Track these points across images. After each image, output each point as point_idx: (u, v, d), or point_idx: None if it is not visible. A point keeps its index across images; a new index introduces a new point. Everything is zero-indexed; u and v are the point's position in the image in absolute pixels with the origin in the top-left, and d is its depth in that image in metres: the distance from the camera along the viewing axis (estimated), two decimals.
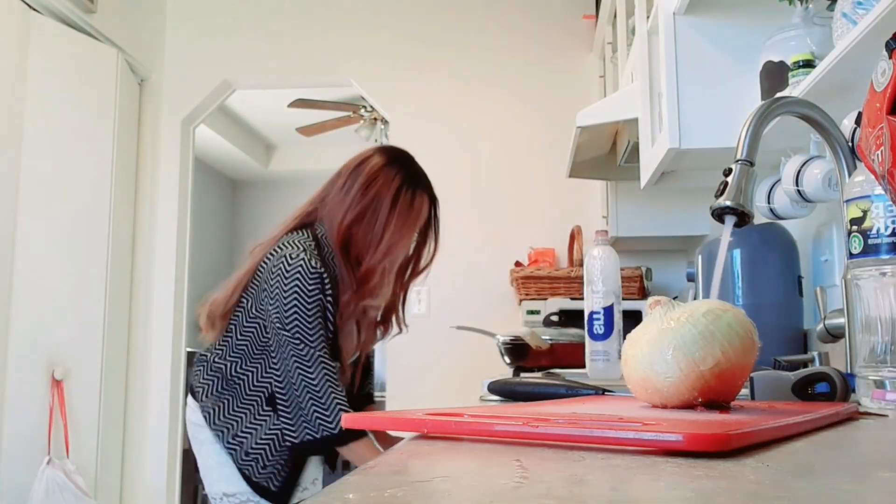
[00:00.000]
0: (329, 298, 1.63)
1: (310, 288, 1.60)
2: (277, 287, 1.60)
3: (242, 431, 1.64)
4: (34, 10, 3.16)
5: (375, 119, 5.39)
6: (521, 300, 3.27)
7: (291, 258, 1.60)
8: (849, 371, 1.10)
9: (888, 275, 0.83)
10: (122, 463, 3.58)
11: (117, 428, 3.54)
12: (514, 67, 3.83)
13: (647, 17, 2.07)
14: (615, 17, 2.95)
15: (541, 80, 3.80)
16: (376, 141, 5.40)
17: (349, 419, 0.66)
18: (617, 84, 2.94)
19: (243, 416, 1.64)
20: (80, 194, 3.35)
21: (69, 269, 3.27)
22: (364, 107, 5.22)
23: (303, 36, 3.88)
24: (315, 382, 1.57)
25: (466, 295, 3.62)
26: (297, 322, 1.58)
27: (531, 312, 3.08)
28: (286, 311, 1.58)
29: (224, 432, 1.65)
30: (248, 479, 1.63)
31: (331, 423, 1.56)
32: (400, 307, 1.87)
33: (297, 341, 1.58)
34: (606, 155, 2.98)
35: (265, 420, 1.63)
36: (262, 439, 1.62)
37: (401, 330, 1.89)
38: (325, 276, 1.63)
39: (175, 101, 3.88)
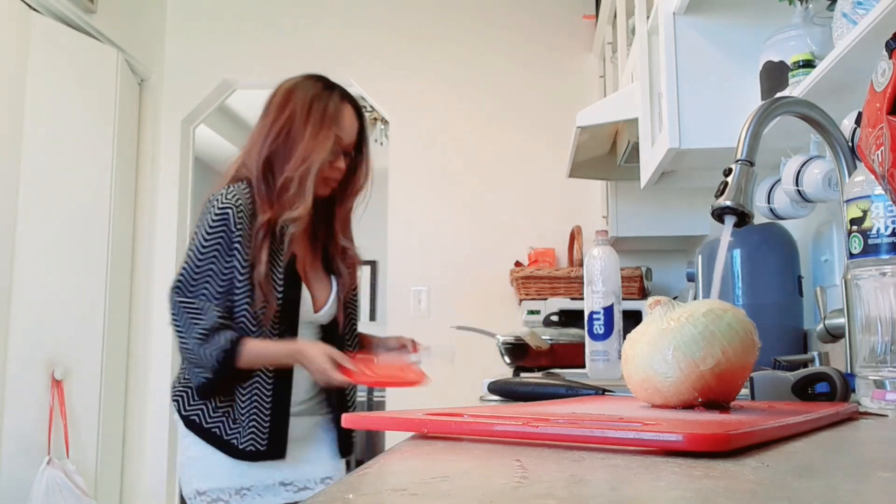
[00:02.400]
0: (238, 234, 1.59)
1: (209, 227, 1.60)
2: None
3: (181, 388, 1.66)
4: (34, 10, 3.16)
5: (375, 119, 5.39)
6: (521, 300, 3.27)
7: (204, 210, 1.64)
8: (849, 371, 1.10)
9: (888, 275, 0.83)
10: (122, 463, 3.58)
11: (117, 428, 3.54)
12: (514, 67, 3.83)
13: (647, 17, 2.07)
14: (615, 17, 2.95)
15: (541, 80, 3.80)
16: (376, 141, 5.40)
17: (349, 419, 0.66)
18: (617, 84, 2.94)
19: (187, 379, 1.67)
20: (80, 194, 3.35)
21: (69, 268, 3.27)
22: (364, 107, 5.22)
23: (303, 36, 3.88)
24: (179, 327, 1.59)
25: (466, 295, 3.62)
26: (183, 267, 1.62)
27: (531, 312, 3.08)
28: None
29: (178, 402, 1.67)
30: (204, 435, 1.62)
31: (205, 364, 1.56)
32: (340, 235, 1.79)
33: (175, 286, 1.61)
34: (606, 155, 2.98)
35: (189, 374, 1.65)
36: (194, 393, 1.64)
37: (355, 261, 1.81)
38: (233, 211, 1.60)
39: (175, 101, 3.88)
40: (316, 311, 1.73)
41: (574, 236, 3.49)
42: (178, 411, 1.66)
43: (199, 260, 1.60)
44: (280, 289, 1.62)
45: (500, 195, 3.74)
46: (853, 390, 0.88)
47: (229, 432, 1.62)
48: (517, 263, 3.52)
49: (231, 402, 1.63)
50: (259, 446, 1.61)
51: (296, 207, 1.64)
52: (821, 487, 0.39)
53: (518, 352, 2.08)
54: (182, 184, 3.87)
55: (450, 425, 0.58)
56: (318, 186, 1.69)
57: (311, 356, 1.57)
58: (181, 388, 1.67)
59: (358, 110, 1.76)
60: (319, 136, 1.67)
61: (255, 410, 1.61)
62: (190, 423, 1.64)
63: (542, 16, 3.85)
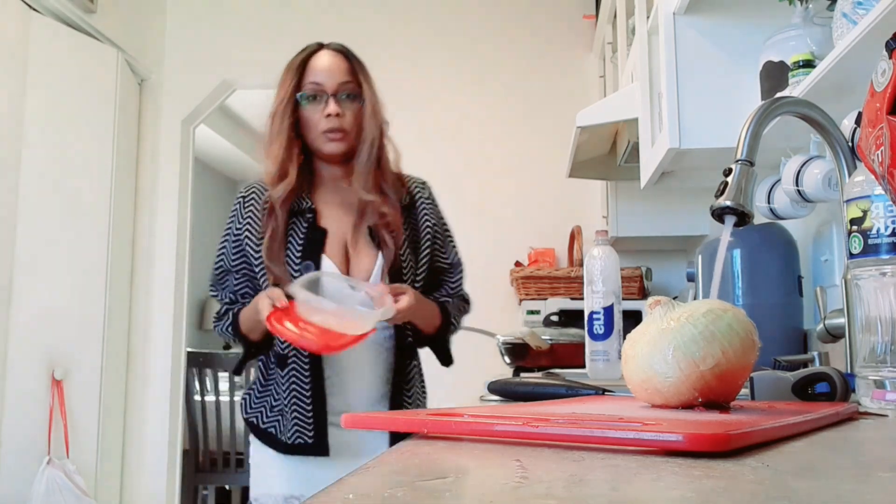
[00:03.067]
0: (245, 222, 1.62)
1: (225, 225, 1.67)
2: None
3: (247, 391, 1.70)
4: (34, 10, 3.16)
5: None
6: (521, 300, 3.27)
7: None
8: (849, 371, 1.10)
9: (888, 275, 0.83)
10: (122, 463, 3.58)
11: (117, 428, 3.54)
12: (514, 67, 3.83)
13: (647, 17, 2.07)
14: (615, 17, 2.95)
15: (541, 80, 3.80)
16: None
17: (349, 419, 0.66)
18: (617, 84, 2.94)
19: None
20: (80, 194, 3.35)
21: (69, 268, 3.27)
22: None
23: (302, 36, 3.87)
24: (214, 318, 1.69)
25: None
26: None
27: (531, 312, 3.08)
28: None
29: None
30: (260, 435, 1.62)
31: (227, 339, 1.67)
32: (362, 191, 1.59)
33: (209, 283, 1.70)
34: (606, 155, 2.98)
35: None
36: (255, 396, 1.66)
37: (392, 221, 1.60)
38: (240, 203, 1.64)
39: (175, 101, 3.88)
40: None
41: (574, 236, 3.49)
42: (243, 415, 1.65)
43: (216, 256, 1.67)
44: (296, 267, 1.56)
45: (500, 195, 3.74)
46: (853, 390, 0.88)
47: (281, 430, 1.58)
48: (517, 263, 3.52)
49: (281, 400, 1.59)
50: (306, 438, 1.55)
51: (269, 170, 1.60)
52: (821, 487, 0.39)
53: (518, 352, 2.09)
54: (182, 184, 3.86)
55: (450, 425, 0.58)
56: (320, 141, 1.60)
57: (255, 300, 1.52)
58: (246, 391, 1.68)
59: (342, 53, 1.67)
60: (280, 86, 1.62)
61: (295, 402, 1.57)
62: (251, 426, 1.64)
63: (542, 16, 3.85)
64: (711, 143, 1.73)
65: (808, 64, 1.43)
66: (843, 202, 0.91)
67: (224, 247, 1.66)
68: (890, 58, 0.74)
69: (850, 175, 1.09)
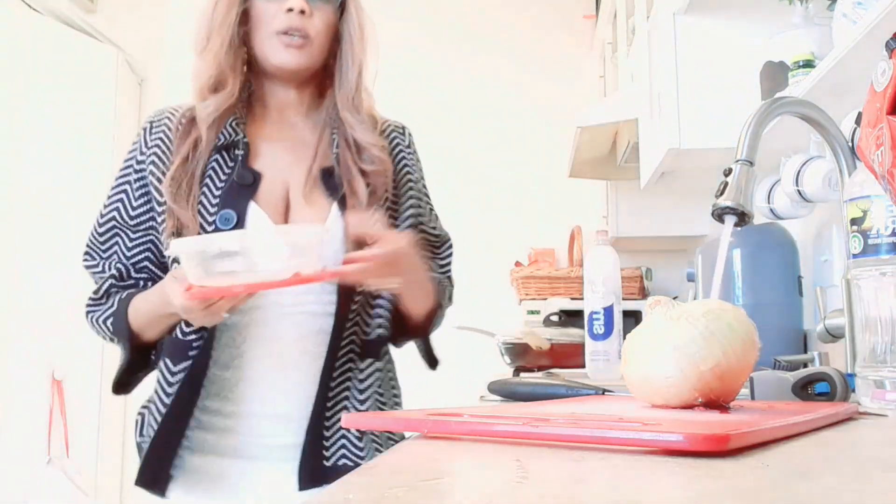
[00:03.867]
0: (153, 152, 1.18)
1: (123, 166, 1.22)
2: None
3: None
4: (34, 10, 3.16)
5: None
6: (521, 300, 3.27)
7: None
8: (849, 371, 1.10)
9: (888, 275, 0.83)
10: (122, 463, 3.58)
11: (117, 428, 3.54)
12: (514, 67, 3.83)
13: (648, 17, 2.07)
14: (615, 17, 2.95)
15: (541, 80, 3.80)
16: None
17: (349, 419, 0.66)
18: (617, 84, 2.94)
19: None
20: (80, 194, 3.35)
21: (69, 268, 3.27)
22: None
23: None
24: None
25: (466, 295, 3.61)
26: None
27: (531, 312, 3.08)
28: None
29: None
30: None
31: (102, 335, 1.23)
32: (350, 122, 1.22)
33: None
34: (606, 155, 2.98)
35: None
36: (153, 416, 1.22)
37: (379, 161, 1.21)
38: (146, 129, 1.23)
39: (175, 101, 3.87)
40: None
41: (574, 236, 3.49)
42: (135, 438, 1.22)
43: (104, 209, 1.20)
44: (211, 216, 1.10)
45: (500, 195, 3.74)
46: (853, 390, 0.88)
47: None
48: (517, 263, 3.52)
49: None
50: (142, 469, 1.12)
51: (200, 76, 1.19)
52: (821, 487, 0.39)
53: (518, 352, 2.09)
54: None
55: (450, 425, 0.58)
56: (270, 47, 1.16)
57: (160, 285, 1.09)
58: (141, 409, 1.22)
59: None
60: None
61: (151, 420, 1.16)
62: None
63: (542, 16, 3.85)
64: (711, 143, 1.73)
65: (808, 64, 1.43)
66: (843, 202, 0.91)
67: (119, 193, 1.17)
68: (890, 58, 0.74)
69: (850, 175, 1.09)
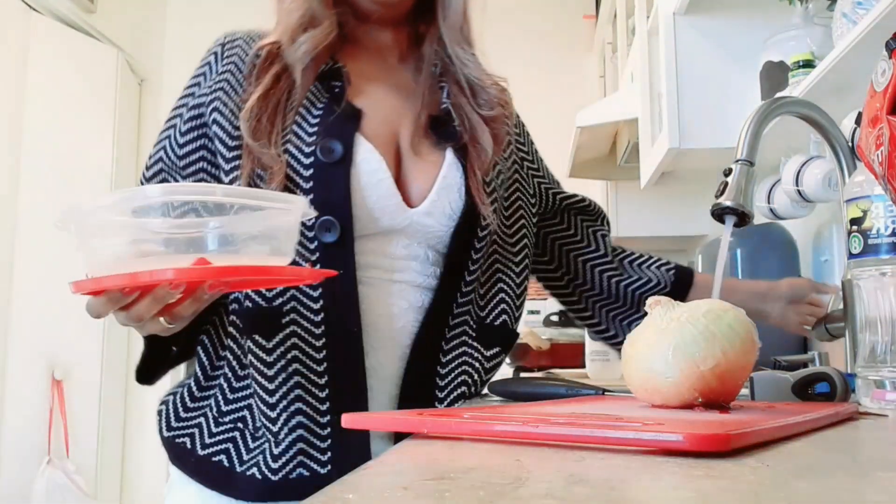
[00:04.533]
0: (224, 78, 1.02)
1: (180, 98, 1.09)
2: None
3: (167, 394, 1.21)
4: (34, 10, 3.16)
5: None
6: None
7: None
8: (849, 371, 1.10)
9: (888, 275, 0.83)
10: (122, 463, 3.58)
11: (117, 428, 3.54)
12: (513, 67, 3.79)
13: (647, 17, 2.07)
14: (615, 17, 2.95)
15: (541, 80, 3.80)
16: None
17: (349, 419, 0.65)
18: (617, 84, 2.94)
19: None
20: (80, 194, 3.35)
21: (69, 268, 3.27)
22: None
23: None
24: None
25: None
26: None
27: (531, 312, 3.08)
28: None
29: None
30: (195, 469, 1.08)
31: None
32: (459, 55, 1.08)
33: None
34: (606, 155, 2.98)
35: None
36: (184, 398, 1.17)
37: (499, 109, 1.11)
38: (217, 53, 1.07)
39: (175, 101, 3.88)
40: (412, 206, 0.97)
41: None
42: (160, 432, 1.07)
43: (154, 150, 1.04)
44: (308, 147, 0.92)
45: None
46: (853, 390, 0.88)
47: (245, 458, 0.96)
48: None
49: (245, 408, 0.98)
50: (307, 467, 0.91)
51: (288, 16, 1.04)
52: (821, 487, 0.39)
53: (518, 352, 2.08)
54: None
55: (450, 425, 0.58)
56: None
57: None
58: (167, 395, 1.09)
59: None
60: None
61: (298, 405, 0.92)
62: (173, 449, 1.06)
63: (542, 16, 3.85)
64: (711, 143, 1.73)
65: (808, 64, 1.43)
66: (843, 202, 0.91)
67: (169, 132, 1.00)
68: (890, 58, 0.74)
69: (850, 175, 1.09)
